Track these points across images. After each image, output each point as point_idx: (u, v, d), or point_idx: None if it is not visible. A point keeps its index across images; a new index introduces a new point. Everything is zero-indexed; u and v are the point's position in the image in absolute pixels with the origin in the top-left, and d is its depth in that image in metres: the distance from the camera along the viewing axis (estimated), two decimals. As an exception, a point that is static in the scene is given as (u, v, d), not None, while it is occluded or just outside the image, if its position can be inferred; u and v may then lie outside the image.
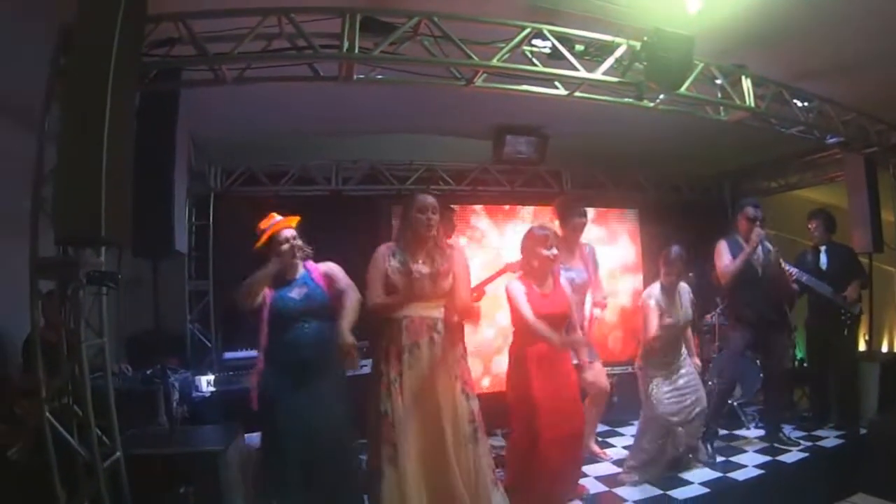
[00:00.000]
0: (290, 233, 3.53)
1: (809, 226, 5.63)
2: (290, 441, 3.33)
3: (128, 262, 3.35)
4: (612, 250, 6.49)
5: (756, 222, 4.82)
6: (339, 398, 3.50)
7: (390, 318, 3.53)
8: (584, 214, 4.83)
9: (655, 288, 4.49)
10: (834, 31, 3.78)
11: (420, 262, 3.54)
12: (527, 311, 3.78)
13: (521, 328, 3.87)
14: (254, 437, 3.95)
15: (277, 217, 3.57)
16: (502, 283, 4.28)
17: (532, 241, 3.97)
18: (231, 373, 4.94)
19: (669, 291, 4.44)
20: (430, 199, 3.61)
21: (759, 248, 4.86)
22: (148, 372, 4.54)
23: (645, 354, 4.48)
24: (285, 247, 3.48)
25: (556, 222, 4.81)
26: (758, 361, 5.44)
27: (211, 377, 4.96)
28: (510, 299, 3.87)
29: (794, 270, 5.24)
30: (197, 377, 4.96)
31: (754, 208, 4.90)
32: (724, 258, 4.89)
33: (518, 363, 3.91)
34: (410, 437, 3.43)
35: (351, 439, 3.64)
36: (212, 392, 4.91)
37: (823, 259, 5.52)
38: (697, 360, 4.66)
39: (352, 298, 3.53)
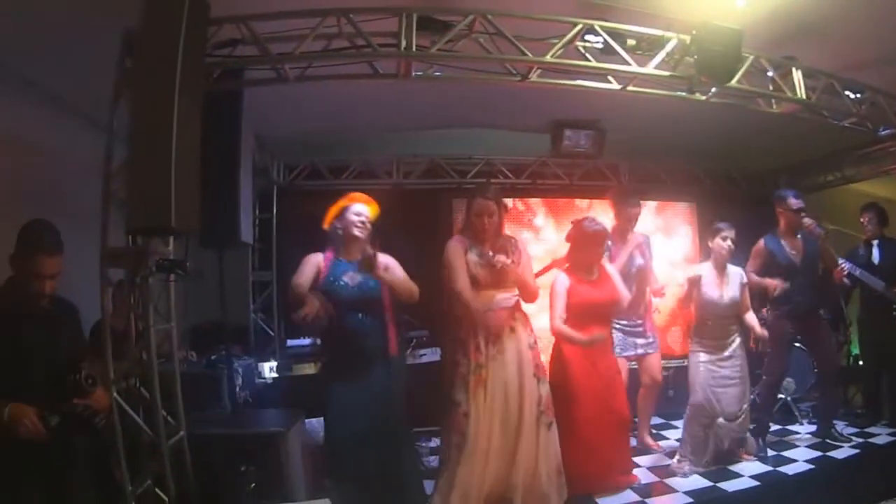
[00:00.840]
0: (363, 209, 3.57)
1: (862, 219, 5.58)
2: (346, 427, 3.43)
3: (194, 254, 3.41)
4: (669, 243, 6.61)
5: (800, 213, 4.77)
6: (395, 386, 3.54)
7: (471, 308, 3.61)
8: (638, 204, 4.91)
9: (703, 265, 4.55)
10: (884, 20, 3.74)
11: (497, 251, 3.66)
12: (558, 311, 3.97)
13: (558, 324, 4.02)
14: (314, 423, 4.19)
15: (358, 194, 3.66)
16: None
17: (580, 233, 4.12)
18: (293, 360, 5.13)
19: (718, 270, 4.47)
20: (491, 193, 3.74)
21: (799, 237, 4.81)
22: (213, 357, 4.70)
23: (693, 333, 4.55)
24: (354, 218, 3.52)
25: (612, 213, 4.94)
26: (803, 353, 5.39)
27: (273, 364, 5.17)
28: (550, 296, 4.03)
29: (846, 265, 5.19)
30: (260, 363, 5.15)
31: (796, 198, 4.81)
32: (752, 265, 4.84)
33: (558, 352, 4.07)
34: (484, 427, 3.55)
35: (407, 426, 3.73)
36: (274, 378, 5.10)
37: (876, 253, 5.46)
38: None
39: (408, 280, 3.59)
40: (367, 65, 3.61)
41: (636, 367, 4.96)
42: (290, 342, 5.36)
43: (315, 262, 3.53)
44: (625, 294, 4.23)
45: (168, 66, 2.69)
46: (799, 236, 4.85)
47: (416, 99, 4.49)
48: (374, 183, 5.80)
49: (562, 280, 4.09)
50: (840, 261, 5.16)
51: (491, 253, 3.65)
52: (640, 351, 4.84)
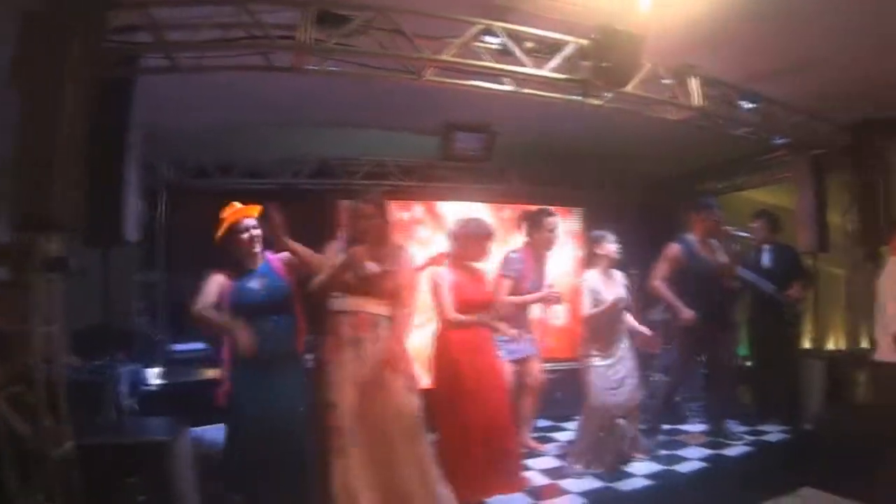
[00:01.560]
0: (250, 222, 3.51)
1: (754, 225, 5.72)
2: (254, 437, 3.32)
3: (76, 252, 3.20)
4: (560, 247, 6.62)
5: (718, 221, 4.89)
6: (302, 393, 3.50)
7: (335, 312, 3.53)
8: (553, 229, 4.83)
9: (590, 272, 4.59)
10: (783, 33, 3.84)
11: (371, 260, 3.55)
12: (448, 302, 3.95)
13: (448, 317, 4.00)
14: (207, 430, 4.04)
15: (238, 205, 3.55)
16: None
17: (464, 232, 4.14)
18: (179, 365, 4.90)
19: (605, 275, 4.54)
20: (373, 198, 3.63)
21: (715, 246, 4.91)
22: (97, 363, 4.46)
23: (584, 340, 4.57)
24: (245, 235, 3.46)
25: (525, 232, 4.87)
26: (700, 358, 5.49)
27: (159, 370, 4.90)
28: (435, 287, 3.99)
29: (739, 269, 5.31)
30: (145, 369, 4.87)
31: (714, 207, 4.94)
32: (661, 270, 4.90)
33: (442, 350, 4.00)
34: (358, 429, 3.44)
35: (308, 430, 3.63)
36: (160, 384, 4.84)
37: (766, 258, 5.65)
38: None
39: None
40: (262, 57, 3.51)
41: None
42: (177, 347, 5.08)
43: (217, 280, 3.45)
44: (499, 296, 4.28)
45: (58, 51, 2.61)
46: (712, 242, 4.94)
47: (308, 97, 4.33)
48: (262, 182, 5.64)
49: (445, 274, 4.06)
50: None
51: (363, 261, 3.54)
52: (527, 352, 4.83)
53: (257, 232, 3.50)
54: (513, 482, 4.05)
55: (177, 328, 5.23)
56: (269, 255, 3.58)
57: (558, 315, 6.11)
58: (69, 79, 2.57)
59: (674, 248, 4.93)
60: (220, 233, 3.48)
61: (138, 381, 4.76)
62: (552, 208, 4.96)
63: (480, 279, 4.18)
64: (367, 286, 3.54)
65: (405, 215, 6.00)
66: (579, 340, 4.69)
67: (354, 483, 3.36)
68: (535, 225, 4.80)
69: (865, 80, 4.55)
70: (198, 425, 4.01)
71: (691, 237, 4.99)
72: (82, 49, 2.62)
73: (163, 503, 3.17)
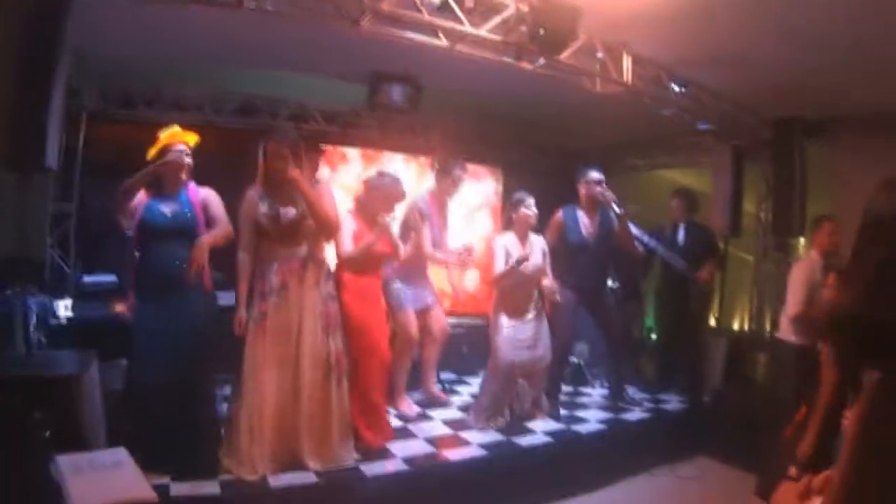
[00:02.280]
0: (184, 148, 3.50)
1: (671, 203, 5.93)
2: (151, 368, 3.31)
3: None
4: (474, 210, 6.82)
5: (598, 186, 4.93)
6: (204, 325, 3.48)
7: (259, 259, 3.61)
8: (462, 174, 4.97)
9: (506, 234, 4.69)
10: (719, 22, 3.91)
11: (286, 205, 3.59)
12: (346, 243, 4.08)
13: (343, 259, 4.13)
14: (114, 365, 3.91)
15: (177, 128, 3.55)
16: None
17: (374, 184, 4.27)
18: (89, 298, 4.76)
19: (521, 239, 4.64)
20: (286, 139, 3.62)
21: (597, 214, 5.00)
22: (7, 293, 4.26)
23: (496, 300, 4.68)
24: (179, 158, 3.45)
25: (434, 175, 5.00)
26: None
27: (69, 302, 4.73)
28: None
29: (647, 238, 5.51)
30: (54, 301, 4.69)
31: (594, 171, 4.98)
32: (548, 234, 4.99)
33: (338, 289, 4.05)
34: (268, 374, 3.51)
35: (212, 369, 3.65)
36: (69, 318, 4.68)
37: (681, 235, 5.83)
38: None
39: (222, 227, 3.55)
40: None
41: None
42: (87, 278, 4.91)
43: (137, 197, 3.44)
44: (400, 248, 4.37)
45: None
46: (598, 213, 5.04)
47: (239, 34, 4.20)
48: (186, 116, 5.35)
49: (348, 222, 4.14)
50: (645, 238, 5.47)
51: (279, 207, 3.59)
52: (429, 301, 4.96)
53: (188, 160, 3.50)
54: (377, 436, 4.07)
55: (88, 260, 5.07)
56: (191, 186, 3.56)
57: (471, 276, 6.33)
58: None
59: (557, 216, 5.06)
60: (153, 150, 3.46)
61: (48, 313, 4.58)
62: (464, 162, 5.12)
63: (383, 231, 4.22)
64: (285, 232, 3.58)
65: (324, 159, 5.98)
66: (490, 300, 4.82)
67: (255, 425, 3.45)
68: (445, 173, 4.94)
69: (790, 80, 4.72)
70: (107, 359, 3.87)
71: (576, 206, 5.08)
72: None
73: (70, 439, 3.05)
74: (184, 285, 3.37)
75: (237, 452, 3.42)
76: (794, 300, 4.31)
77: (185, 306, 3.39)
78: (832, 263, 4.22)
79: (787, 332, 4.41)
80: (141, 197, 3.43)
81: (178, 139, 3.51)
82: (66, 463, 2.51)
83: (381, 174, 4.41)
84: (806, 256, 4.64)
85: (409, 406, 4.85)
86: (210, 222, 3.53)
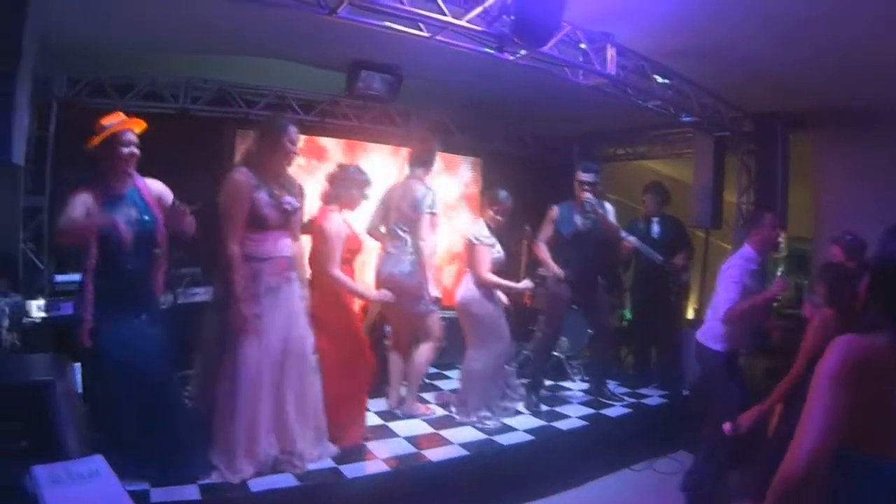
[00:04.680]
0: (132, 137, 3.24)
1: (644, 197, 6.00)
2: (118, 374, 3.17)
3: None
4: (454, 197, 6.83)
5: (586, 187, 4.92)
6: (162, 329, 3.37)
7: (247, 256, 3.40)
8: (431, 161, 4.85)
9: (481, 226, 4.67)
10: (704, 16, 3.88)
11: (286, 194, 3.48)
12: (337, 257, 3.95)
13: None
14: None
15: (123, 116, 3.27)
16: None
17: (346, 179, 4.15)
18: (63, 297, 4.57)
19: (495, 231, 4.67)
20: (295, 128, 3.53)
21: (588, 210, 4.95)
22: None
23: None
24: (125, 150, 3.20)
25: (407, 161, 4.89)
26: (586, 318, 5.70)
27: (42, 302, 4.58)
28: (332, 240, 3.94)
29: (628, 237, 5.52)
30: (28, 301, 4.55)
31: (585, 172, 4.97)
32: (544, 230, 5.07)
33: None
34: (262, 377, 3.43)
35: (174, 371, 3.55)
36: (42, 318, 4.53)
37: (656, 228, 5.92)
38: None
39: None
40: None
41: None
42: (58, 277, 4.77)
43: (83, 200, 3.15)
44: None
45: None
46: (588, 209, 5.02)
47: (213, 21, 4.09)
48: (160, 106, 5.33)
49: (342, 224, 4.05)
50: (623, 234, 5.45)
51: (282, 195, 3.48)
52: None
53: (136, 151, 3.24)
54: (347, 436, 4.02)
55: (62, 257, 4.91)
56: (139, 180, 3.31)
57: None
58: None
59: (553, 211, 5.09)
60: (96, 140, 3.19)
61: (21, 314, 4.45)
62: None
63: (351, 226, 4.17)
64: (284, 222, 3.48)
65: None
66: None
67: (238, 425, 3.39)
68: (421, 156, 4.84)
69: (772, 74, 4.73)
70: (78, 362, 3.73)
71: (571, 201, 5.10)
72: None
73: (47, 449, 2.89)
74: (146, 292, 3.29)
75: (231, 455, 3.35)
76: (725, 298, 3.78)
77: (146, 314, 3.29)
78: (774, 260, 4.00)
79: (712, 339, 3.90)
80: (90, 203, 3.15)
81: (128, 127, 3.24)
82: (42, 473, 2.42)
83: (350, 167, 4.31)
84: (737, 253, 4.10)
85: (427, 407, 4.85)
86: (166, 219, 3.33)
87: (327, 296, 3.95)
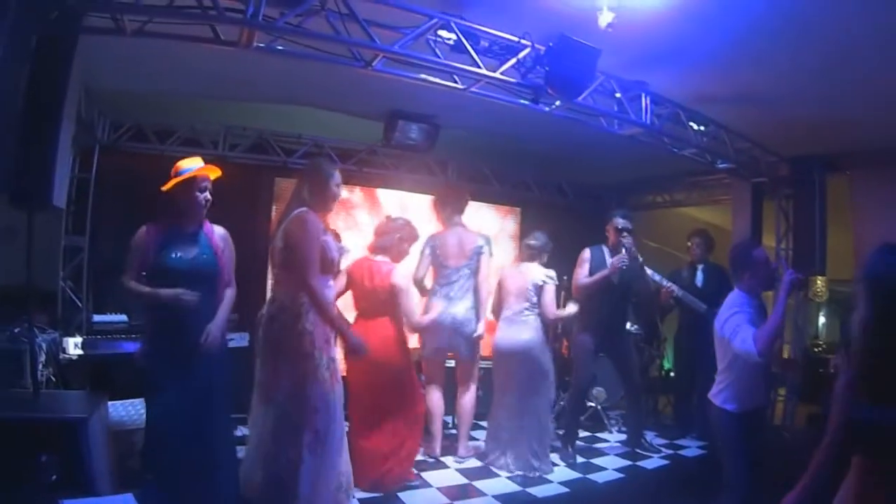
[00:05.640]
0: (209, 183, 3.34)
1: (689, 244, 5.88)
2: (171, 415, 3.14)
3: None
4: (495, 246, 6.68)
5: (624, 233, 4.89)
6: (220, 371, 3.32)
7: (324, 300, 3.31)
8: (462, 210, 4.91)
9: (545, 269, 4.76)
10: (737, 61, 3.89)
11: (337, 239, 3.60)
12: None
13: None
14: (125, 405, 3.95)
15: (201, 162, 3.38)
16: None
17: (396, 231, 4.27)
18: (99, 336, 4.66)
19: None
20: (339, 173, 3.54)
21: (627, 251, 4.88)
22: (15, 330, 4.20)
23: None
24: (202, 195, 3.29)
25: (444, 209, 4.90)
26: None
27: (79, 339, 4.66)
28: (403, 290, 4.08)
29: (670, 286, 5.43)
30: (65, 338, 4.64)
31: (623, 219, 4.95)
32: (582, 270, 4.99)
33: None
34: (341, 422, 3.42)
35: (229, 414, 3.54)
36: (79, 355, 4.60)
37: (700, 277, 5.79)
38: None
39: (231, 293, 3.41)
40: (210, 28, 3.33)
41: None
42: (96, 318, 4.84)
43: (139, 242, 3.25)
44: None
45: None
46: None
47: (252, 70, 4.20)
48: (199, 152, 5.26)
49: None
50: (665, 282, 5.37)
51: (338, 239, 3.60)
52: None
53: (210, 197, 3.34)
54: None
55: (99, 298, 5.02)
56: (208, 224, 3.39)
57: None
58: (5, 31, 2.40)
59: (585, 252, 5.04)
60: (175, 182, 3.26)
61: (57, 351, 4.53)
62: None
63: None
64: (335, 268, 3.50)
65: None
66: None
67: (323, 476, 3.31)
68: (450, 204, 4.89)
69: (808, 118, 4.69)
70: (117, 398, 3.90)
71: (604, 246, 5.05)
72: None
73: (76, 483, 3.01)
74: (199, 335, 3.22)
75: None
76: (742, 340, 3.09)
77: (202, 355, 3.21)
78: None
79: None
80: (143, 235, 3.26)
81: (207, 173, 3.35)
82: (70, 508, 2.45)
83: (391, 218, 4.38)
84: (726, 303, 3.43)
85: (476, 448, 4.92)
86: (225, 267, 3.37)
87: (387, 339, 4.03)
